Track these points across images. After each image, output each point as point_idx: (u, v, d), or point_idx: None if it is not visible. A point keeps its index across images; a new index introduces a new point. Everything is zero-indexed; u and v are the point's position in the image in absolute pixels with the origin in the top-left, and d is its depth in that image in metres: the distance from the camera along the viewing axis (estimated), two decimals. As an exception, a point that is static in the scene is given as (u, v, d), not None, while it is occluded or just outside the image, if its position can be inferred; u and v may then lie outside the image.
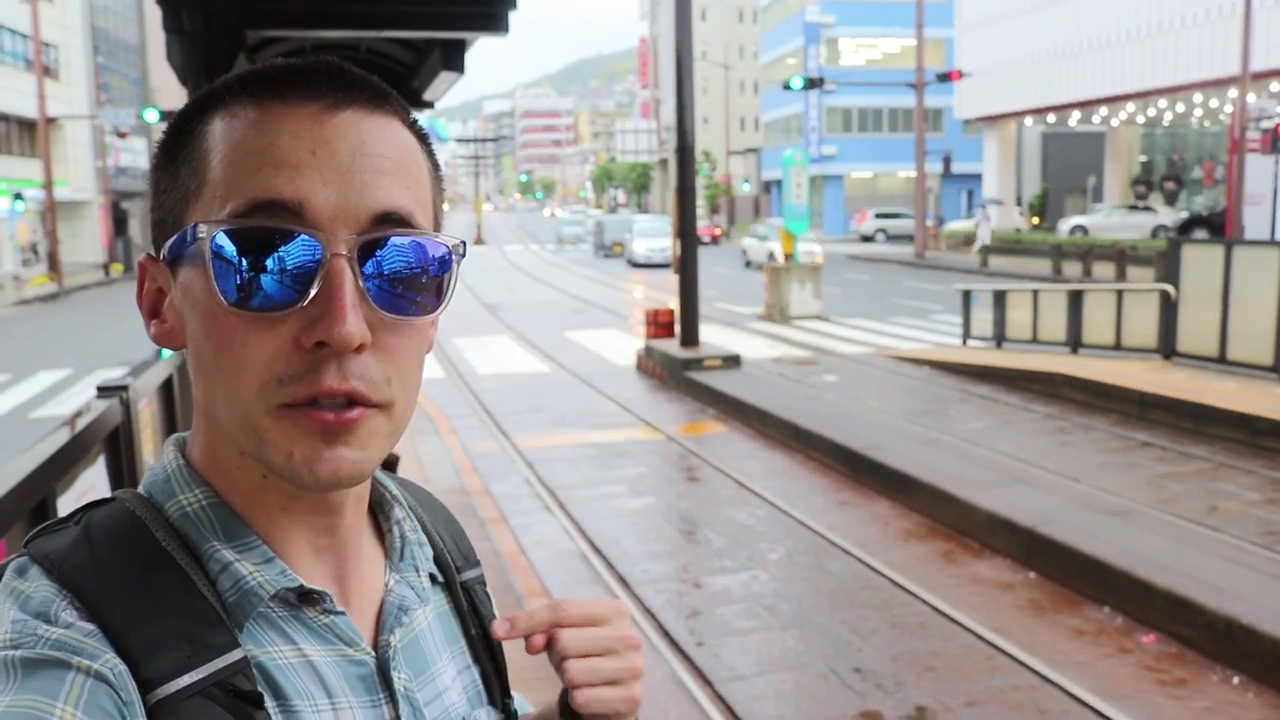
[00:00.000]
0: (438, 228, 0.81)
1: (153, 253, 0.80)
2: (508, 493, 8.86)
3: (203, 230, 0.71)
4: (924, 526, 7.71)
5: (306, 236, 0.71)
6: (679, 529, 7.97)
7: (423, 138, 0.81)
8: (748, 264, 36.42)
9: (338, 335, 0.70)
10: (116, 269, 41.37)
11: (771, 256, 29.94)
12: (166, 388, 4.30)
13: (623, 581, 6.76)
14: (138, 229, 53.20)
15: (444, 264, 0.78)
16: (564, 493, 8.77)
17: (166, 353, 4.34)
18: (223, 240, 0.71)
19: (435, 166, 0.83)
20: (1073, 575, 6.40)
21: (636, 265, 39.59)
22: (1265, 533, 6.90)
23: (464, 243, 0.81)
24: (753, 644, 5.81)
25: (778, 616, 6.17)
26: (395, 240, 0.75)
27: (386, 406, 0.75)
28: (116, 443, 3.28)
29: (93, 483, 3.01)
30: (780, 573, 6.94)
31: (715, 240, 53.59)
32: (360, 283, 0.73)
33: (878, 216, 51.87)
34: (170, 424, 4.28)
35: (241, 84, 0.76)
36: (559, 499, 8.59)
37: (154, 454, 3.84)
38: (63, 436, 2.76)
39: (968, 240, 38.90)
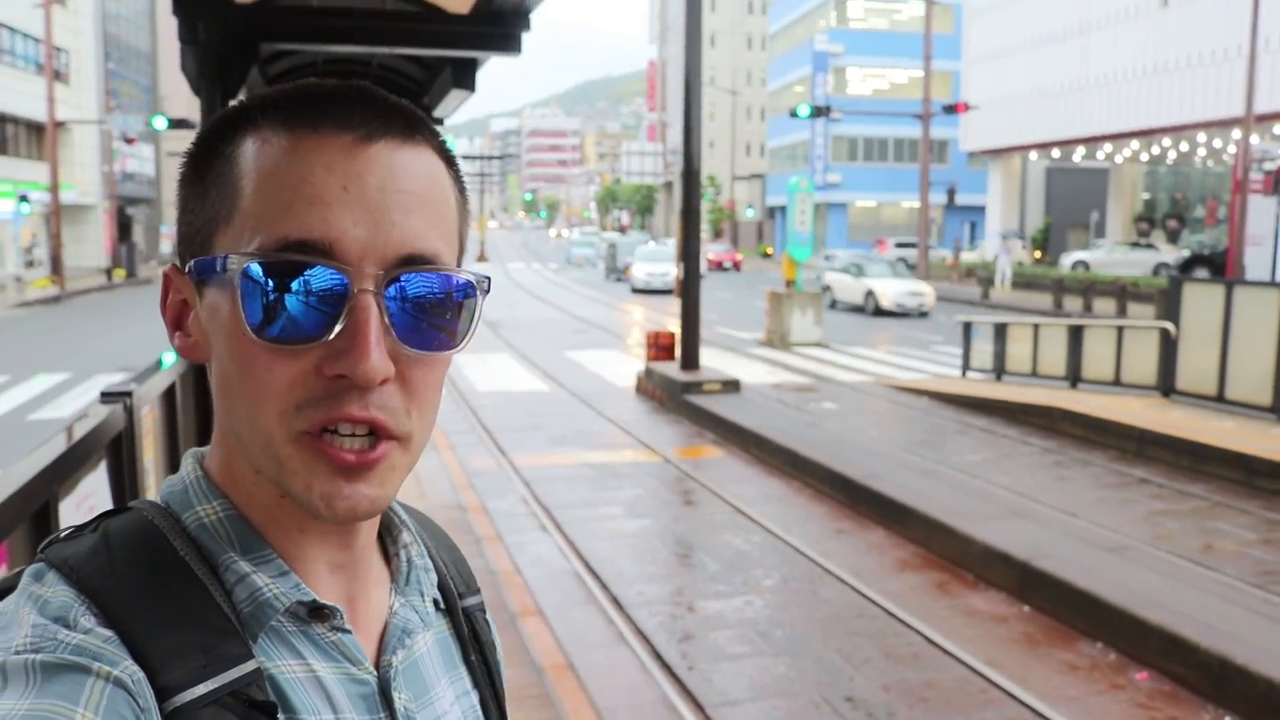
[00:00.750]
0: (462, 253, 0.82)
1: (178, 264, 0.81)
2: (504, 510, 8.85)
3: (234, 261, 0.72)
4: (920, 557, 7.70)
5: (334, 272, 0.72)
6: (674, 552, 7.96)
7: (451, 162, 0.82)
8: (833, 304, 29.97)
9: (361, 371, 0.71)
10: (119, 274, 41.45)
11: (871, 296, 28.25)
12: (169, 395, 4.30)
13: (616, 603, 6.75)
14: (142, 235, 53.33)
15: (467, 298, 0.79)
16: (560, 512, 8.76)
17: (167, 361, 4.35)
18: (253, 272, 0.72)
19: (462, 190, 0.84)
20: (1067, 610, 6.39)
21: (636, 291, 37.49)
22: (1260, 572, 6.90)
23: (488, 279, 0.82)
24: (745, 669, 5.79)
25: (771, 643, 6.16)
26: (421, 276, 0.76)
27: (405, 439, 0.76)
28: (119, 449, 3.29)
29: (94, 488, 3.01)
30: (774, 599, 6.93)
31: (737, 267, 51.76)
32: (385, 318, 0.74)
33: (898, 245, 50.40)
34: (172, 432, 4.28)
35: (275, 106, 0.77)
36: (555, 518, 8.58)
37: (156, 461, 3.85)
38: (65, 442, 2.77)
39: (972, 272, 38.61)
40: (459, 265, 0.81)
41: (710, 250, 50.97)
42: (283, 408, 0.73)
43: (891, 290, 27.98)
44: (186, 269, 0.78)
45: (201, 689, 0.69)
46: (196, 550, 0.77)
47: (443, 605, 0.93)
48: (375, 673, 0.81)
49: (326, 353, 0.72)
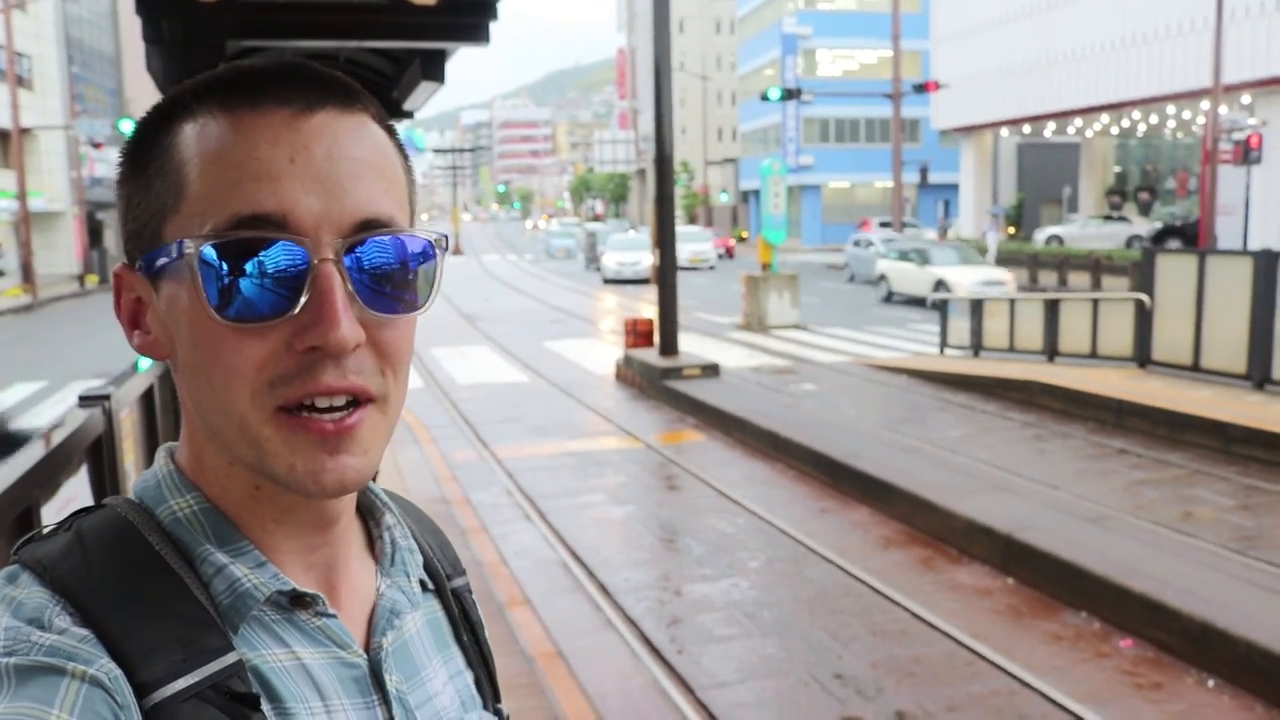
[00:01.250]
0: (413, 218, 0.82)
1: (127, 263, 0.80)
2: (488, 502, 8.85)
3: (189, 246, 0.71)
4: (903, 533, 7.75)
5: (292, 244, 0.72)
6: (659, 537, 7.99)
7: (392, 131, 0.82)
8: (889, 296, 27.18)
9: (333, 340, 0.71)
10: (92, 280, 41.13)
11: (942, 287, 23.83)
12: (147, 397, 4.29)
13: (604, 590, 6.76)
14: (113, 240, 52.85)
15: (427, 259, 0.79)
16: (544, 502, 8.77)
17: (143, 364, 4.33)
18: (209, 254, 0.71)
19: (406, 159, 0.83)
20: (1050, 581, 6.45)
21: (607, 281, 36.04)
22: (1239, 538, 6.97)
23: (445, 236, 0.82)
24: (734, 651, 5.82)
25: (758, 624, 6.19)
26: (378, 240, 0.75)
27: (382, 400, 0.76)
28: (99, 452, 3.28)
29: (75, 492, 3.00)
30: (760, 580, 6.96)
31: (730, 253, 48.98)
32: (349, 285, 0.73)
33: (881, 225, 48.77)
34: (151, 433, 4.27)
35: (209, 90, 0.76)
36: (539, 508, 8.59)
37: (135, 464, 3.84)
38: (46, 446, 2.76)
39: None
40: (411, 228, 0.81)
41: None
42: (255, 387, 0.72)
43: (967, 280, 24.11)
44: (137, 265, 0.78)
45: (182, 683, 0.69)
46: (172, 544, 0.76)
47: (430, 586, 0.92)
48: (365, 655, 0.81)
49: (294, 327, 0.72)
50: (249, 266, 0.71)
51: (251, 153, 0.72)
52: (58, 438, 2.87)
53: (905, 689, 5.29)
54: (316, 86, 0.76)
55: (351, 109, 0.77)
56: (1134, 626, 5.78)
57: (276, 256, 0.71)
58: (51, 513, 2.66)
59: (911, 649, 5.76)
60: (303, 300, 0.72)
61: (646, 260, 33.09)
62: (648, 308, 21.67)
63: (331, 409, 0.73)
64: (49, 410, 13.76)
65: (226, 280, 0.71)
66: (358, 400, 0.74)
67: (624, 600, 6.58)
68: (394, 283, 0.76)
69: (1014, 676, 5.32)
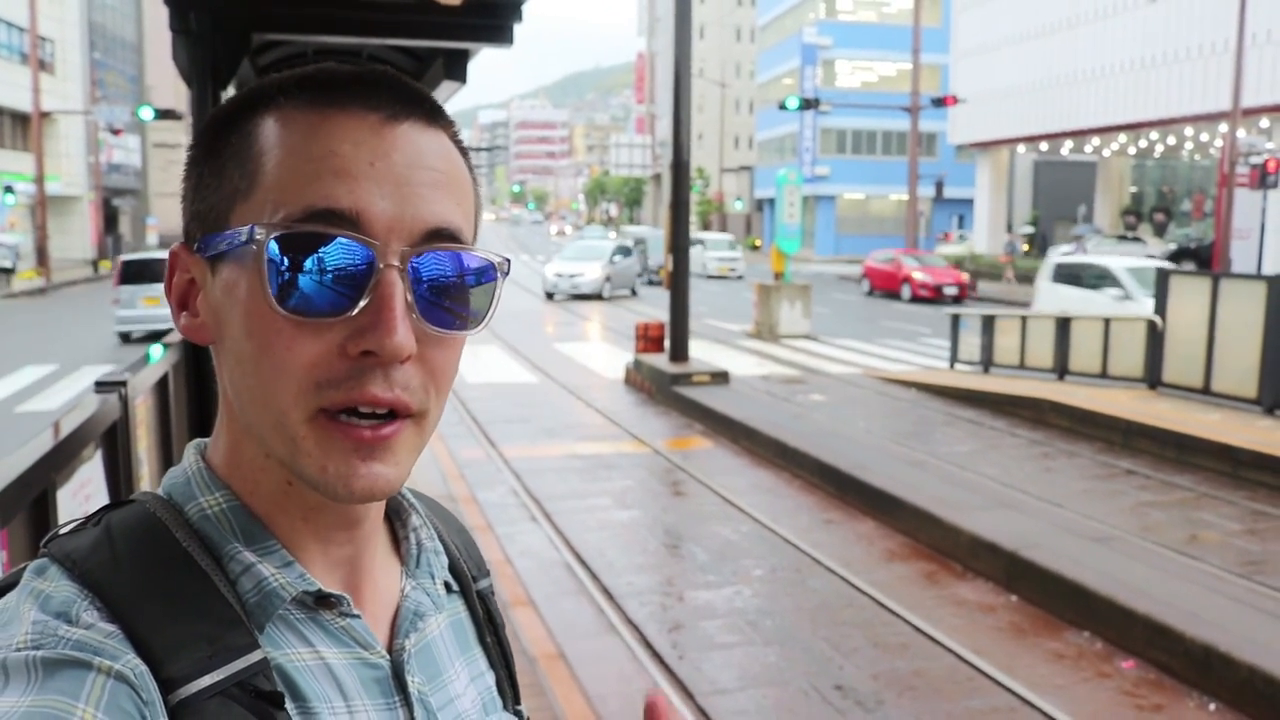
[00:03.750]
0: (476, 239, 0.82)
1: (185, 242, 0.80)
2: (494, 501, 8.87)
3: (259, 232, 0.71)
4: (908, 547, 7.75)
5: (360, 245, 0.72)
6: (664, 542, 8.00)
7: (465, 153, 0.82)
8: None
9: (388, 346, 0.71)
10: (105, 265, 41.25)
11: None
12: (162, 385, 4.32)
13: (607, 593, 6.78)
14: (128, 226, 53.07)
15: (486, 278, 0.79)
16: (550, 503, 8.79)
17: (154, 354, 4.36)
18: (277, 244, 0.71)
19: (475, 181, 0.84)
20: (1054, 599, 6.44)
21: (549, 296, 30.57)
22: (1245, 563, 6.96)
23: (508, 260, 0.82)
24: (735, 658, 5.83)
25: (760, 632, 6.19)
26: (444, 255, 0.75)
27: (421, 416, 0.76)
28: (114, 438, 3.30)
29: (90, 477, 3.02)
30: (764, 589, 6.97)
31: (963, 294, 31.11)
32: (409, 295, 0.73)
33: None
34: (165, 421, 4.30)
35: (299, 86, 0.76)
36: (545, 509, 8.61)
37: (149, 451, 3.86)
38: (62, 431, 2.78)
39: (960, 264, 38.35)
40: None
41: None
42: (302, 386, 0.72)
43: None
44: (196, 247, 0.78)
45: (207, 680, 0.69)
46: (200, 542, 0.76)
47: (455, 588, 0.93)
48: (388, 657, 0.81)
49: (350, 329, 0.72)
50: (314, 262, 0.71)
51: (334, 149, 0.73)
52: (74, 423, 2.89)
53: (906, 702, 5.29)
54: (404, 98, 0.77)
55: (434, 125, 0.78)
56: (1137, 648, 5.78)
57: (343, 254, 0.72)
58: (67, 496, 2.68)
59: (913, 662, 5.77)
60: (362, 303, 0.72)
61: (592, 273, 30.24)
62: (659, 313, 21.61)
63: (372, 415, 0.73)
64: (59, 394, 13.82)
65: (289, 273, 0.71)
66: (397, 413, 0.74)
67: (627, 604, 6.59)
68: (452, 298, 0.76)
69: (1015, 694, 5.31)
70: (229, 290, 0.75)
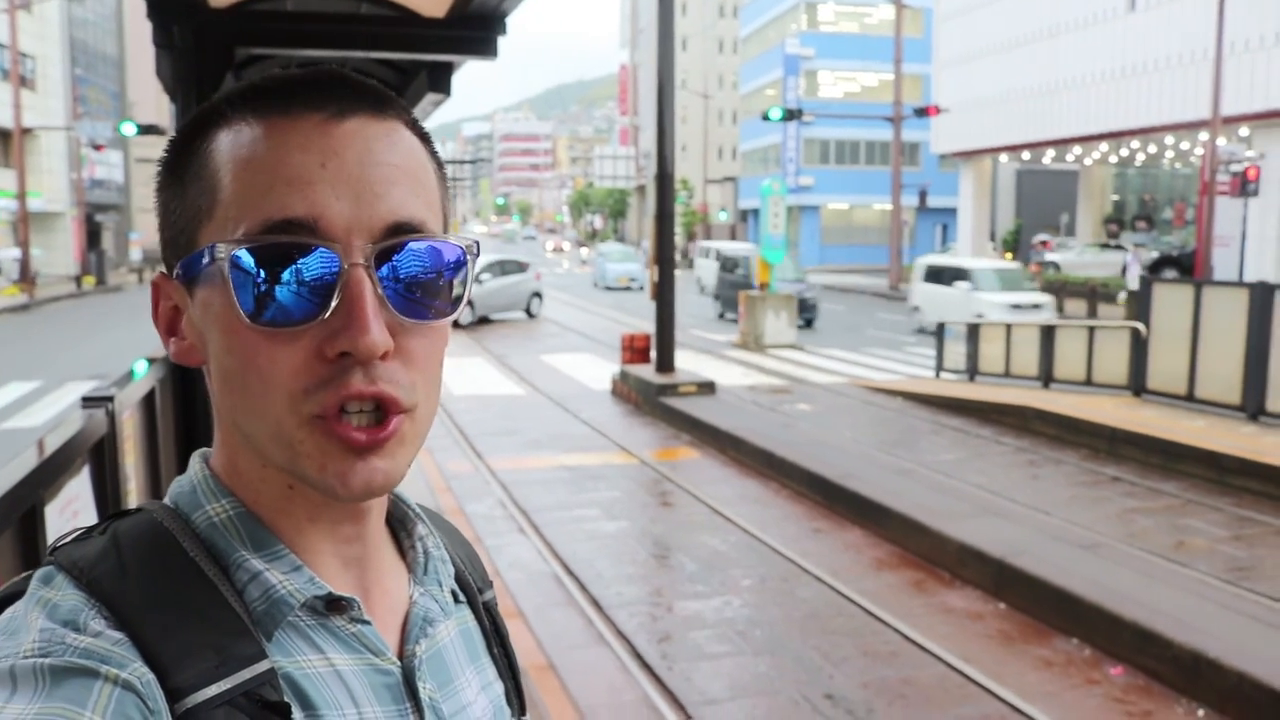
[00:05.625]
0: (446, 227, 0.82)
1: (165, 271, 0.80)
2: (482, 514, 8.85)
3: (221, 250, 0.72)
4: (896, 555, 7.76)
5: (323, 249, 0.72)
6: (652, 553, 7.99)
7: (425, 138, 0.82)
8: None
9: (363, 345, 0.71)
10: (89, 281, 41.07)
11: None
12: (149, 400, 4.30)
13: (596, 604, 6.77)
14: (111, 242, 52.87)
15: (458, 265, 0.79)
16: (538, 515, 8.77)
17: (139, 369, 4.34)
18: (241, 259, 0.71)
19: (440, 165, 0.83)
20: (1042, 606, 6.46)
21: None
22: (1231, 568, 6.99)
23: (477, 243, 0.81)
24: (725, 668, 5.83)
25: (750, 642, 6.19)
26: (409, 245, 0.75)
27: (412, 410, 0.76)
28: (101, 454, 3.28)
29: (77, 493, 3.01)
30: (753, 598, 6.97)
31: None
32: (379, 290, 0.73)
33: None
34: (152, 436, 4.28)
35: (243, 98, 0.76)
36: (533, 521, 8.59)
37: (137, 466, 3.84)
38: (49, 447, 2.77)
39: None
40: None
41: None
42: (290, 393, 0.72)
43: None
44: (174, 273, 0.78)
45: (214, 690, 0.68)
46: (206, 550, 0.76)
47: (461, 598, 0.93)
48: (399, 663, 0.80)
49: (324, 333, 0.72)
50: (280, 271, 0.71)
51: (283, 158, 0.73)
52: (61, 438, 2.88)
53: (896, 711, 5.30)
54: (349, 93, 0.76)
55: (384, 115, 0.77)
56: (1125, 654, 5.79)
57: (307, 261, 0.72)
58: (54, 512, 2.67)
59: (902, 671, 5.77)
60: (333, 305, 0.72)
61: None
62: (644, 323, 21.63)
63: (362, 413, 0.73)
64: (43, 411, 13.75)
65: (258, 285, 0.72)
66: (387, 409, 0.74)
67: (616, 615, 6.58)
68: (425, 289, 0.76)
69: (1004, 701, 5.32)
70: (206, 311, 0.76)
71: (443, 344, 0.80)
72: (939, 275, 23.93)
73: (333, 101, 0.75)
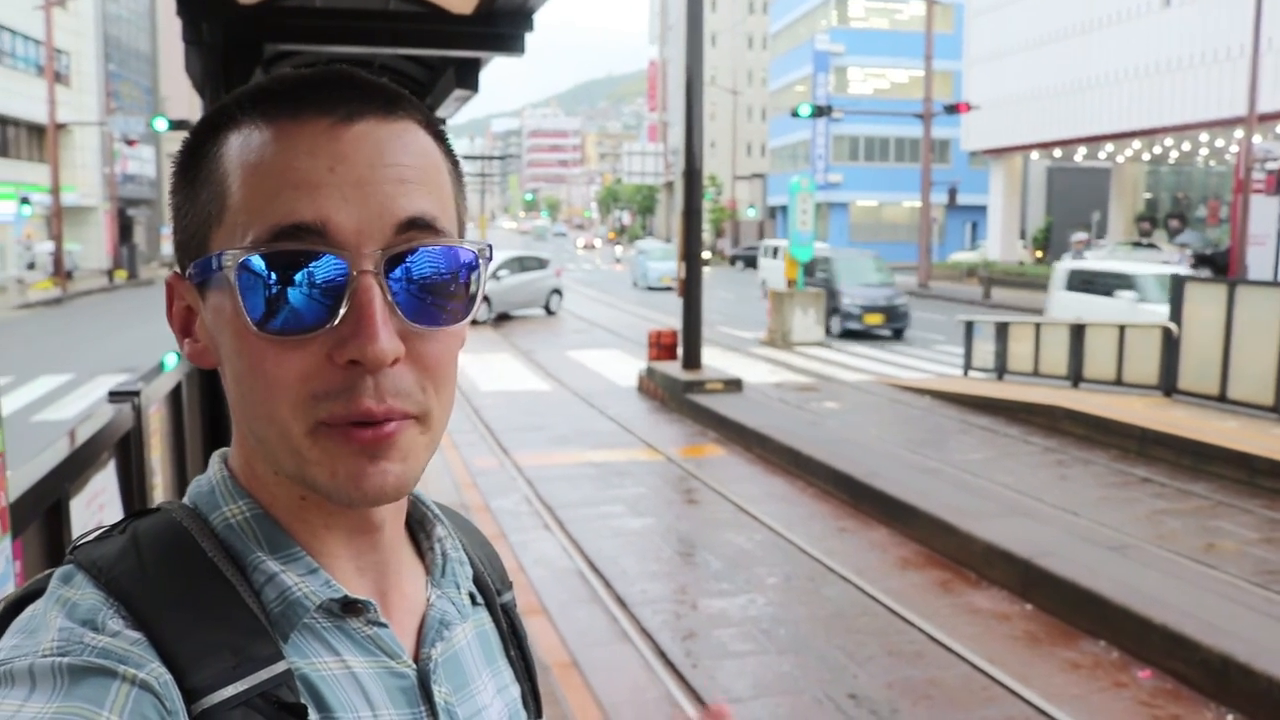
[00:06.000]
0: (462, 227, 0.81)
1: (179, 271, 0.80)
2: (507, 509, 8.87)
3: (229, 258, 0.71)
4: (922, 555, 7.72)
5: (331, 256, 0.71)
6: (677, 550, 7.98)
7: (440, 136, 0.81)
8: None
9: (371, 354, 0.70)
10: (121, 275, 41.47)
11: None
12: (175, 395, 4.33)
13: (620, 601, 6.77)
14: (143, 236, 53.38)
15: (470, 268, 0.78)
16: (563, 511, 8.78)
17: (169, 363, 4.37)
18: (249, 265, 0.71)
19: (455, 164, 0.82)
20: (1069, 608, 6.40)
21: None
22: (1262, 571, 6.91)
23: (489, 246, 0.80)
24: (749, 667, 5.81)
25: (774, 640, 6.17)
26: (420, 249, 0.74)
27: (423, 416, 0.75)
28: (127, 448, 3.31)
29: (103, 486, 3.03)
30: (777, 597, 6.95)
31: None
32: (389, 296, 0.72)
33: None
34: (179, 431, 4.31)
35: (253, 101, 0.76)
36: (558, 517, 8.60)
37: (163, 460, 3.87)
38: (75, 441, 2.79)
39: (973, 271, 38.21)
40: (460, 236, 0.80)
41: None
42: (298, 398, 0.72)
43: None
44: (187, 274, 0.78)
45: (230, 690, 0.69)
46: (224, 551, 0.76)
47: (479, 600, 0.92)
48: (415, 666, 0.80)
49: (334, 339, 0.71)
50: (289, 278, 0.71)
51: (291, 162, 0.72)
52: (88, 432, 2.90)
53: (920, 711, 5.27)
54: (358, 94, 0.75)
55: (394, 115, 0.76)
56: (1153, 657, 5.73)
57: (316, 267, 0.71)
58: (80, 506, 2.69)
59: (928, 671, 5.74)
60: (342, 312, 0.71)
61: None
62: (672, 320, 21.60)
63: (370, 424, 0.73)
64: (74, 404, 13.88)
65: (267, 292, 0.71)
66: (394, 419, 0.74)
67: (640, 612, 6.58)
68: (437, 294, 0.75)
69: (1030, 704, 5.28)
70: (218, 315, 0.76)
71: (457, 346, 0.79)
72: (1090, 283, 19.13)
73: (341, 104, 0.74)
